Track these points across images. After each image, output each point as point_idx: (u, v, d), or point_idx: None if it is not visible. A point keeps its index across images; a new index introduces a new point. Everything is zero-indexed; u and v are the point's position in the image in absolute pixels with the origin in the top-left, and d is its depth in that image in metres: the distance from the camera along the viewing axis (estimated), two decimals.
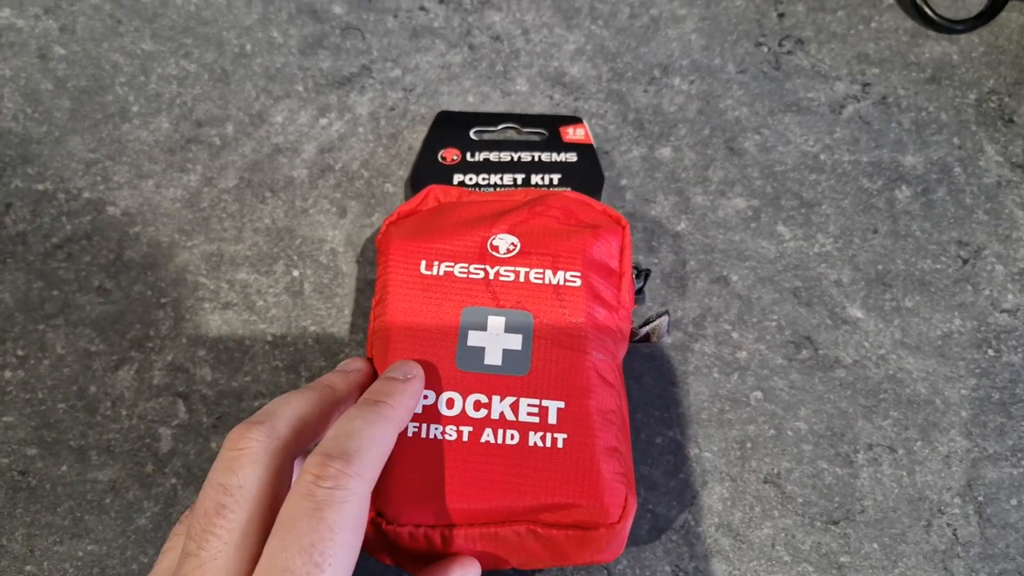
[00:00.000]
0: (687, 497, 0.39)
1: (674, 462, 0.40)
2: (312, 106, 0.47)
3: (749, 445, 0.40)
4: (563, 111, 0.47)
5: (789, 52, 0.49)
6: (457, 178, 0.44)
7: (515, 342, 0.34)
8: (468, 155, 0.45)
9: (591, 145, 0.45)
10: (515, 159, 0.45)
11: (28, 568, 0.37)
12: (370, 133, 0.47)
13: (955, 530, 0.39)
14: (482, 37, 0.49)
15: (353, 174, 0.45)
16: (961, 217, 0.45)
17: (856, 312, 0.43)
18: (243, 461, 0.27)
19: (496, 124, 0.46)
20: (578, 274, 0.35)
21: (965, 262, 0.44)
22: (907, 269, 0.44)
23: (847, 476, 0.40)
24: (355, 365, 0.34)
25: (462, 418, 0.33)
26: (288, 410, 0.29)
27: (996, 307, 0.43)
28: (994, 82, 0.49)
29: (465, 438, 0.32)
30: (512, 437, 0.32)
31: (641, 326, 0.39)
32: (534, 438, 0.32)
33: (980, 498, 0.39)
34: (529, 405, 0.33)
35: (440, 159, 0.45)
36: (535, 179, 0.44)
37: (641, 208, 0.45)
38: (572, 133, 0.46)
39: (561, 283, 0.35)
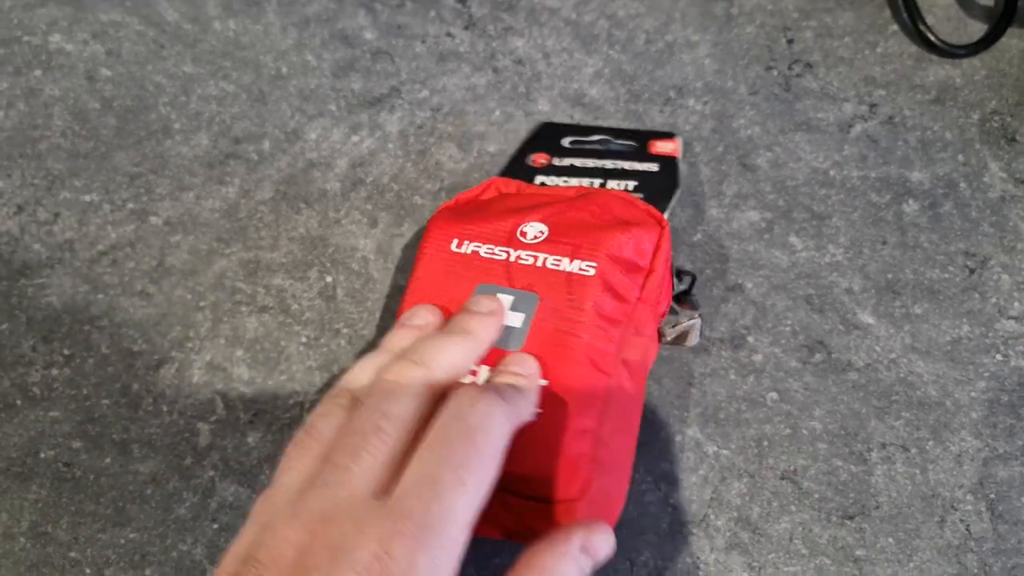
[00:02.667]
0: (706, 492, 0.40)
1: (693, 459, 0.41)
2: (344, 124, 0.50)
3: (766, 443, 0.41)
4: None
5: (799, 75, 0.52)
6: (539, 179, 0.46)
7: (517, 320, 0.36)
8: (556, 160, 0.47)
9: (675, 158, 0.47)
10: (599, 166, 0.47)
11: (72, 554, 0.38)
12: (399, 149, 0.49)
13: (968, 526, 0.40)
14: (505, 61, 0.52)
15: (383, 187, 0.48)
16: (967, 229, 0.47)
17: (867, 318, 0.45)
18: (403, 393, 0.30)
19: (591, 135, 0.49)
20: (594, 264, 0.37)
21: (972, 272, 0.46)
22: (916, 278, 0.46)
23: (862, 473, 0.41)
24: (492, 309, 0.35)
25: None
26: (445, 360, 0.32)
27: (1003, 314, 0.45)
28: (996, 103, 0.51)
29: None
30: None
31: (674, 326, 0.40)
32: None
33: (992, 495, 0.40)
34: None
35: (530, 163, 0.47)
36: (611, 184, 0.46)
37: None
38: (660, 146, 0.48)
39: (575, 271, 0.37)
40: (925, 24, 0.52)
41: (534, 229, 0.39)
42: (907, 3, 0.53)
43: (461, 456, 0.27)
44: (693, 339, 0.40)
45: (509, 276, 0.37)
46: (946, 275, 0.46)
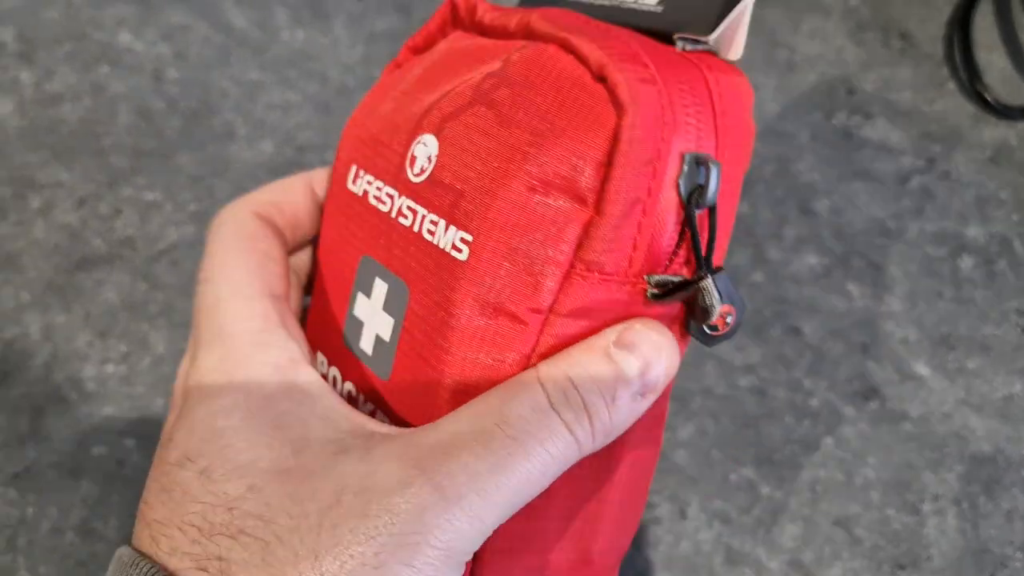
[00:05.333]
0: (759, 533, 0.40)
1: (747, 499, 0.41)
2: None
3: (820, 488, 0.41)
4: None
5: (858, 125, 0.52)
6: None
7: (386, 328, 0.24)
8: None
9: None
10: None
11: None
12: None
13: None
14: None
15: None
16: (1021, 288, 0.47)
17: (922, 369, 0.45)
18: None
19: None
20: (469, 239, 0.21)
21: None
22: (970, 333, 0.46)
23: (914, 524, 0.41)
24: None
25: None
26: None
27: None
28: None
29: None
30: None
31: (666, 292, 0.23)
32: None
33: None
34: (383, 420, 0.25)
35: None
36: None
37: None
38: None
39: (448, 248, 0.22)
40: (982, 84, 0.53)
41: (423, 153, 0.23)
42: (965, 62, 0.54)
43: None
44: (711, 312, 0.23)
45: (389, 245, 0.24)
46: (999, 332, 0.46)
